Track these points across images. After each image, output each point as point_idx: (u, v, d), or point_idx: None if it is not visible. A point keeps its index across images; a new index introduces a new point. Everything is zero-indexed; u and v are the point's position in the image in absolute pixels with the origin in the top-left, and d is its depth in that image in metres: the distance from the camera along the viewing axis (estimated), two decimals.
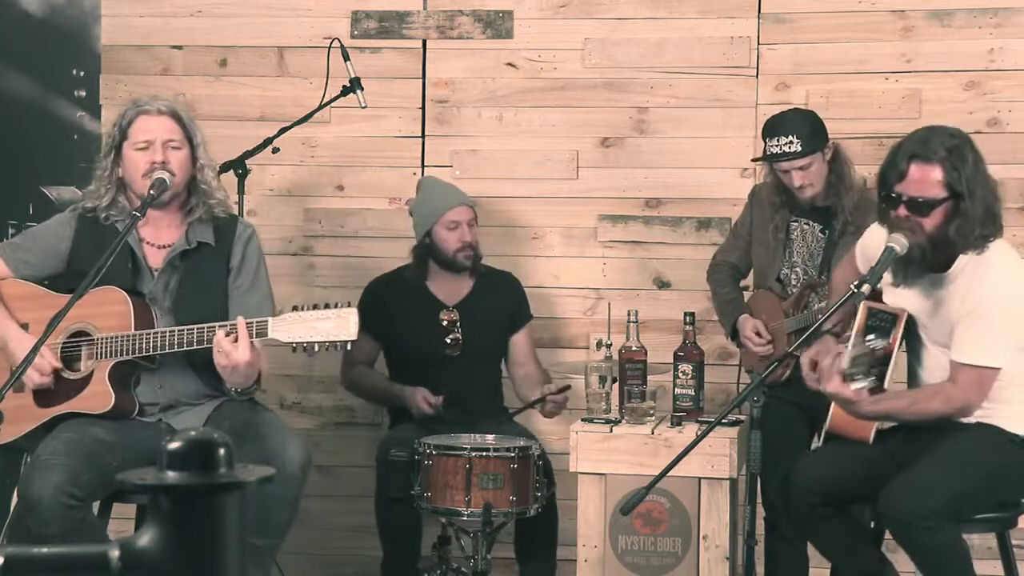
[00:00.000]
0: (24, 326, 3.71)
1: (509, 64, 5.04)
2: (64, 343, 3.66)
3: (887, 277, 3.53)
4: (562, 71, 5.01)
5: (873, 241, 3.64)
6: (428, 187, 4.72)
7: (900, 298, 3.63)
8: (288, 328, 3.43)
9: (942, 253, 3.49)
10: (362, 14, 5.09)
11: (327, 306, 3.44)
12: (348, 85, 4.67)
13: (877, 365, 3.50)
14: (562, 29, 5.00)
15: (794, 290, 4.35)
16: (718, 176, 4.92)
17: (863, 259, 3.74)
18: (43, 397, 3.67)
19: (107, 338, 3.60)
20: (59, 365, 3.63)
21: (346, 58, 4.67)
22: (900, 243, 3.48)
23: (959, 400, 3.50)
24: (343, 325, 3.41)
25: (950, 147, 3.44)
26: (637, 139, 4.98)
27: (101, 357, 3.60)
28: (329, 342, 3.41)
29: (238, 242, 3.78)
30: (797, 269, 4.36)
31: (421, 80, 5.08)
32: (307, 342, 3.42)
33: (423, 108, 5.08)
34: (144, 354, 3.58)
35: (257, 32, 5.13)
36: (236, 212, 4.06)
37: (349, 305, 3.44)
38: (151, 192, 3.60)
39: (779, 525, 4.28)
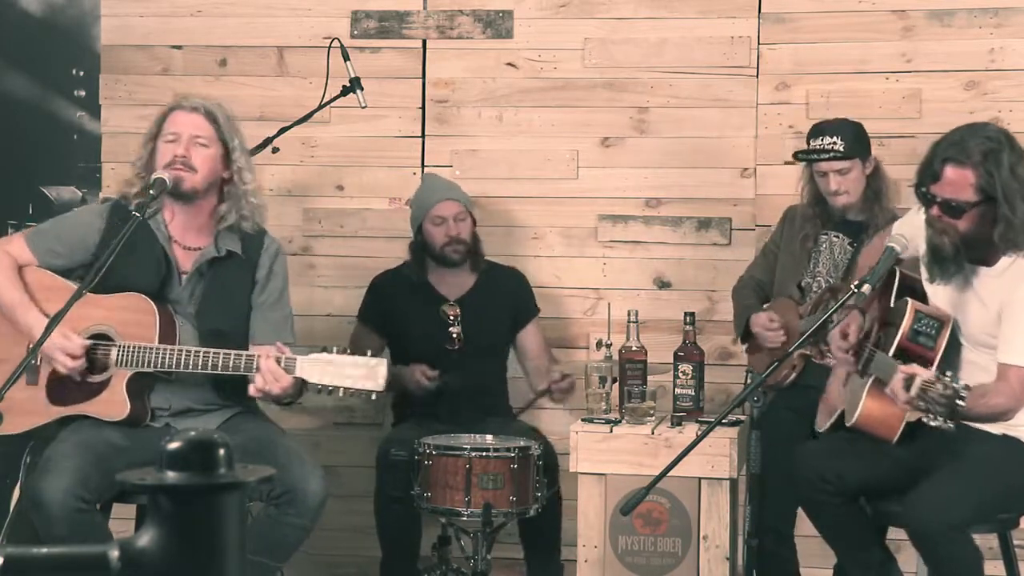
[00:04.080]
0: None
1: (509, 64, 5.03)
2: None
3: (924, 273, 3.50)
4: (562, 71, 5.00)
5: (912, 224, 3.61)
6: (423, 182, 4.77)
7: (939, 294, 3.60)
8: (317, 369, 3.45)
9: (980, 250, 3.47)
10: (362, 14, 5.09)
11: (352, 353, 3.45)
12: (348, 85, 4.67)
13: None
14: (562, 29, 4.99)
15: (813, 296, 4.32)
16: (718, 176, 4.91)
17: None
18: (57, 394, 3.64)
19: (130, 347, 3.57)
20: (88, 344, 3.58)
21: (346, 58, 4.67)
22: (900, 243, 3.47)
23: (1015, 400, 3.43)
24: (372, 376, 3.44)
25: (986, 151, 3.39)
26: (637, 139, 4.98)
27: (122, 365, 3.57)
28: (355, 389, 3.43)
29: (266, 255, 3.77)
30: (820, 280, 4.32)
31: (421, 80, 5.08)
32: (333, 386, 3.44)
33: (423, 108, 5.08)
34: (165, 369, 3.57)
35: (257, 32, 5.12)
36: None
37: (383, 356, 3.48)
38: (150, 192, 3.57)
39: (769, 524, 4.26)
